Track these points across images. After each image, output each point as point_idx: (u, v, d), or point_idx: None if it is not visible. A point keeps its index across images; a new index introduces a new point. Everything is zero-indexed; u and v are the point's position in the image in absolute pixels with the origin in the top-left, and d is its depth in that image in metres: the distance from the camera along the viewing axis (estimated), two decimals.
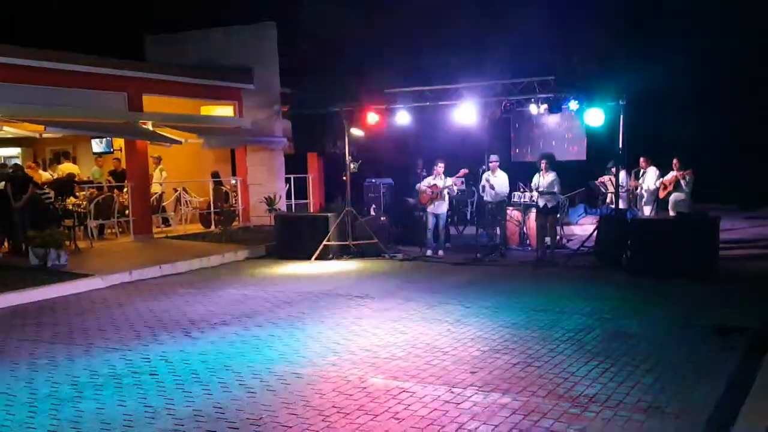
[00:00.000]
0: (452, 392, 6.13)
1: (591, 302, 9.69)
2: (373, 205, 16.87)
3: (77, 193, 16.92)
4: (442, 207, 14.47)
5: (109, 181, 18.26)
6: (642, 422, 5.36)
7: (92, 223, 16.29)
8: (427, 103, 14.78)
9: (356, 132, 15.25)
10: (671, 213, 13.44)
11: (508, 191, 13.94)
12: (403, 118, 14.96)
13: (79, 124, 15.91)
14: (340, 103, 14.90)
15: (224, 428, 5.49)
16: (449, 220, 17.13)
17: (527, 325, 8.48)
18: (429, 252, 14.48)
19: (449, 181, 14.53)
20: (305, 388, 6.38)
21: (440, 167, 14.54)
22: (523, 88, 14.01)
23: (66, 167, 18.51)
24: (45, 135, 17.94)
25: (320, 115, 15.27)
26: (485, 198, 13.94)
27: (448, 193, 14.50)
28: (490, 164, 13.83)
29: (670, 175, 13.77)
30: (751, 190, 21.36)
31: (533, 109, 14.21)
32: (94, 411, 5.98)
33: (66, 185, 16.79)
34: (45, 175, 17.61)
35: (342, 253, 14.49)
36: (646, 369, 6.63)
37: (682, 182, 13.57)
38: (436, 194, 14.35)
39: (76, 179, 18.05)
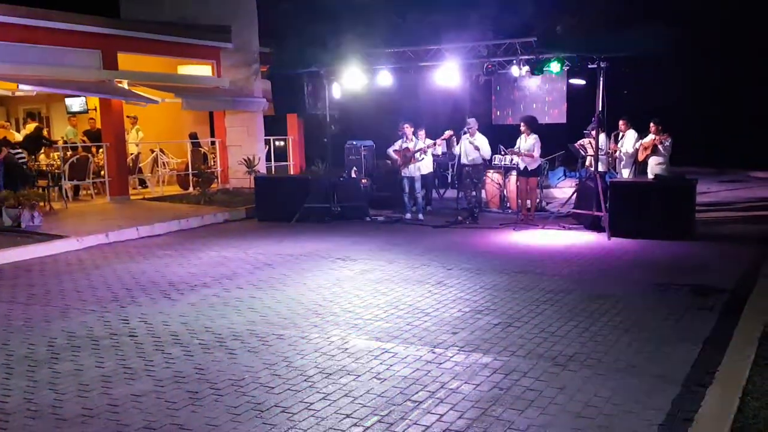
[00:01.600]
0: (434, 353, 6.14)
1: (570, 264, 9.74)
2: (354, 168, 16.76)
3: (51, 154, 16.66)
4: (416, 170, 14.35)
5: (84, 141, 17.98)
6: (620, 381, 5.40)
7: (67, 184, 16.09)
8: (409, 64, 14.63)
9: (337, 93, 15.08)
10: (650, 176, 13.48)
11: (489, 153, 13.89)
12: (384, 79, 14.80)
13: (53, 82, 15.59)
14: (320, 63, 14.70)
15: (205, 389, 5.46)
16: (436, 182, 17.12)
17: (508, 286, 8.51)
18: (407, 215, 14.44)
19: (421, 143, 14.41)
20: (287, 348, 6.36)
21: (407, 128, 14.41)
22: (506, 49, 13.90)
23: (32, 127, 18.20)
24: (18, 93, 17.57)
25: (300, 76, 15.04)
26: (463, 161, 13.88)
27: (423, 154, 14.37)
28: (468, 128, 13.74)
29: (648, 139, 13.79)
30: (727, 153, 21.57)
31: (515, 71, 14.10)
32: (72, 372, 5.93)
33: (35, 141, 16.46)
34: (17, 136, 17.32)
35: (323, 215, 14.42)
36: (625, 329, 6.68)
37: (660, 146, 13.60)
38: (408, 158, 14.25)
39: (45, 136, 17.80)
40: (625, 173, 14.03)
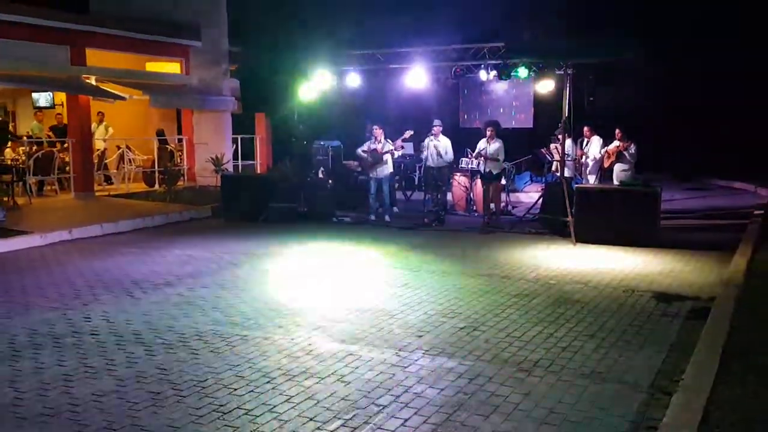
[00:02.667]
0: (399, 355, 6.16)
1: (536, 268, 9.82)
2: (321, 168, 16.71)
3: (17, 148, 16.38)
4: (383, 171, 14.37)
5: (50, 137, 17.72)
6: (585, 387, 5.46)
7: (31, 180, 15.83)
8: (378, 66, 14.65)
9: (305, 93, 15.03)
10: (615, 183, 13.66)
11: (451, 157, 13.94)
12: (353, 80, 14.81)
13: (20, 77, 15.37)
14: (289, 63, 14.64)
15: (167, 390, 5.42)
16: (396, 185, 17.13)
17: (473, 289, 8.55)
18: (372, 216, 14.44)
19: (389, 145, 14.44)
20: (251, 350, 6.33)
21: (377, 130, 14.43)
22: (474, 53, 13.98)
23: None
24: None
25: (269, 76, 14.97)
26: (428, 163, 13.93)
27: (389, 156, 14.39)
28: (433, 129, 13.80)
29: (613, 146, 13.98)
30: (691, 161, 21.92)
31: (483, 75, 14.19)
32: (33, 370, 5.84)
33: (0, 135, 16.18)
34: None
35: (289, 215, 14.35)
36: (589, 335, 6.75)
37: (625, 153, 13.79)
38: (377, 159, 14.26)
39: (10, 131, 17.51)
40: (591, 179, 14.21)
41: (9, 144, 16.58)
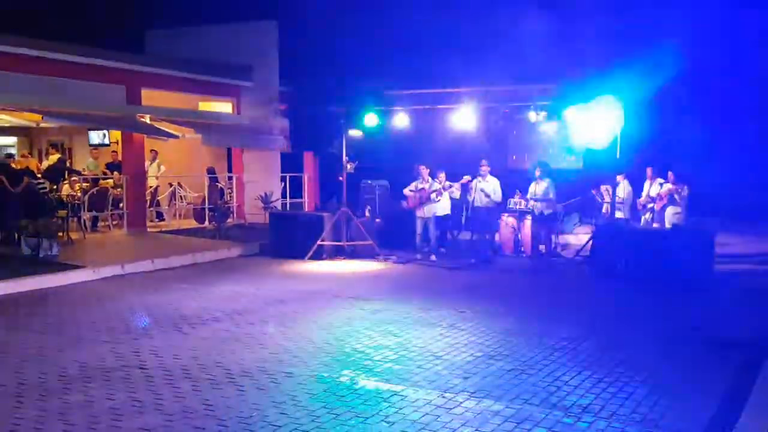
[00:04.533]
0: (444, 397, 6.08)
1: (586, 311, 9.66)
2: (368, 207, 16.80)
3: (75, 185, 16.82)
4: (431, 211, 14.37)
5: (105, 174, 18.17)
6: None
7: (86, 215, 16.21)
8: (426, 106, 14.75)
9: (354, 133, 15.19)
10: (667, 225, 13.42)
11: (500, 197, 13.86)
12: (401, 120, 14.92)
13: (77, 115, 15.82)
14: (338, 103, 14.84)
15: (213, 426, 5.43)
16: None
17: (521, 331, 8.43)
18: (418, 256, 14.41)
19: (437, 184, 14.44)
20: (296, 387, 6.32)
21: (423, 170, 14.46)
22: (523, 94, 14.00)
23: (55, 158, 18.44)
24: (42, 125, 17.84)
25: (318, 115, 15.20)
26: (476, 204, 13.87)
27: (438, 196, 14.39)
28: (480, 170, 13.77)
29: (665, 188, 13.77)
30: (747, 204, 21.39)
31: (532, 116, 14.20)
32: (82, 403, 5.92)
33: (57, 171, 16.61)
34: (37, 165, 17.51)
35: (336, 253, 14.42)
36: (640, 380, 6.58)
37: (677, 196, 13.56)
38: (423, 198, 14.26)
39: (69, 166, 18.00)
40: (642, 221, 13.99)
41: (67, 179, 17.00)
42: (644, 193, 14.11)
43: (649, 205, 14.06)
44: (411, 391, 6.22)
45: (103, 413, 5.69)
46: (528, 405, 5.91)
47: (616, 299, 10.55)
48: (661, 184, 13.95)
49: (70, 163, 19.79)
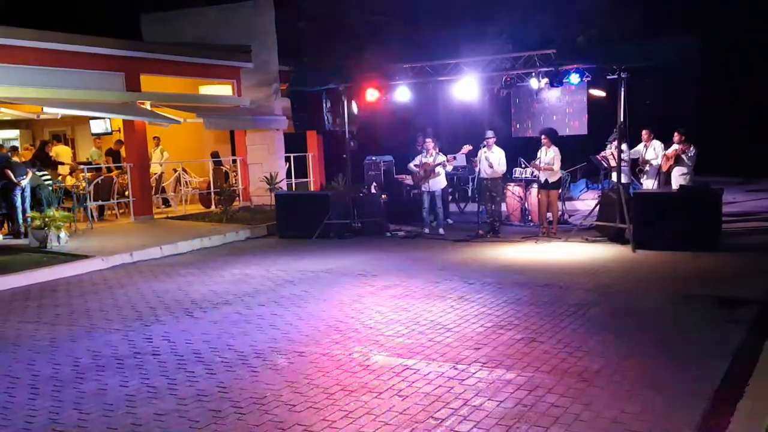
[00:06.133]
0: (456, 369, 6.10)
1: (594, 276, 9.64)
2: (374, 183, 16.78)
3: (78, 174, 16.84)
4: (436, 184, 14.34)
5: (107, 162, 18.18)
6: (647, 397, 5.31)
7: (92, 205, 16.24)
8: (428, 79, 14.65)
9: (356, 109, 15.11)
10: (674, 187, 13.34)
11: (504, 168, 13.79)
12: (403, 94, 14.83)
13: (77, 104, 15.80)
14: (339, 79, 14.75)
15: (228, 407, 5.46)
16: (450, 197, 17.06)
17: (531, 300, 8.43)
18: (426, 230, 14.40)
19: (441, 157, 14.39)
20: (309, 366, 6.34)
21: (429, 143, 14.43)
22: (524, 61, 13.87)
23: (59, 149, 18.47)
24: (43, 116, 17.82)
25: (319, 93, 15.11)
26: (481, 175, 13.82)
27: (442, 168, 14.36)
28: (486, 140, 13.70)
29: (672, 149, 13.65)
30: (753, 162, 21.28)
31: (534, 83, 14.07)
32: (96, 392, 5.96)
33: (42, 158, 16.49)
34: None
35: (344, 231, 14.42)
36: (651, 343, 6.58)
37: (684, 156, 13.46)
38: (428, 172, 14.24)
39: (70, 160, 18.05)
40: (649, 184, 13.89)
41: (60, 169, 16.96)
42: (641, 156, 13.99)
43: (647, 168, 13.96)
44: (423, 365, 6.24)
45: (117, 401, 5.72)
46: (539, 372, 5.92)
47: (624, 264, 10.52)
48: (655, 148, 13.84)
49: (74, 154, 19.79)
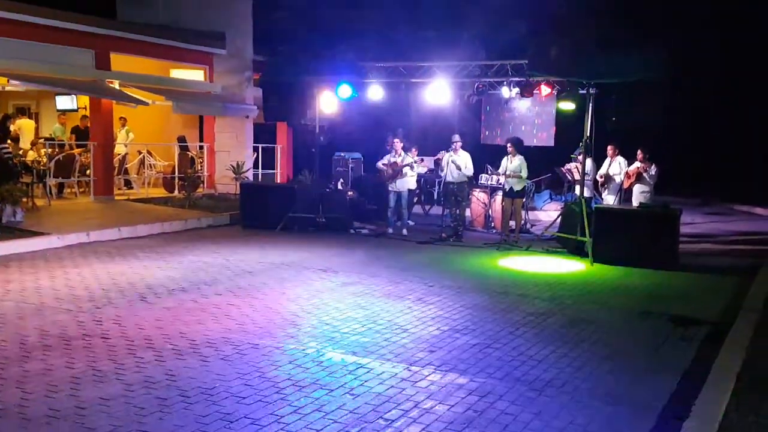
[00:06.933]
0: (410, 370, 6.09)
1: (552, 287, 9.72)
2: (341, 179, 16.74)
3: (40, 150, 16.51)
4: (403, 185, 14.36)
5: (72, 139, 17.86)
6: (597, 409, 5.36)
7: (52, 181, 15.94)
8: (400, 79, 14.66)
9: (328, 104, 15.05)
10: (634, 204, 13.51)
11: (471, 171, 13.85)
12: (375, 93, 14.82)
13: (44, 79, 15.49)
14: (312, 73, 14.68)
15: (175, 396, 5.38)
16: (415, 198, 17.08)
17: (488, 306, 8.47)
18: (390, 230, 14.40)
19: (409, 158, 14.41)
20: (261, 359, 6.29)
21: (397, 144, 14.44)
22: (496, 70, 13.95)
23: (23, 122, 18.11)
24: (8, 88, 17.44)
25: (292, 85, 15.02)
26: (448, 178, 13.86)
27: (410, 170, 14.38)
28: (453, 144, 13.74)
29: (634, 167, 13.84)
30: (711, 185, 21.71)
31: (505, 92, 14.19)
32: (42, 371, 5.83)
33: (1, 132, 16.17)
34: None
35: (308, 225, 14.35)
36: (604, 356, 6.65)
37: (645, 175, 13.64)
38: (396, 172, 14.25)
39: (33, 135, 17.71)
40: (611, 200, 14.06)
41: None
42: (603, 171, 14.14)
43: (607, 184, 14.11)
44: (377, 364, 6.22)
45: (62, 382, 5.61)
46: (492, 378, 5.94)
47: (582, 277, 10.62)
48: (620, 164, 14.01)
49: (36, 129, 19.40)
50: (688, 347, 7.04)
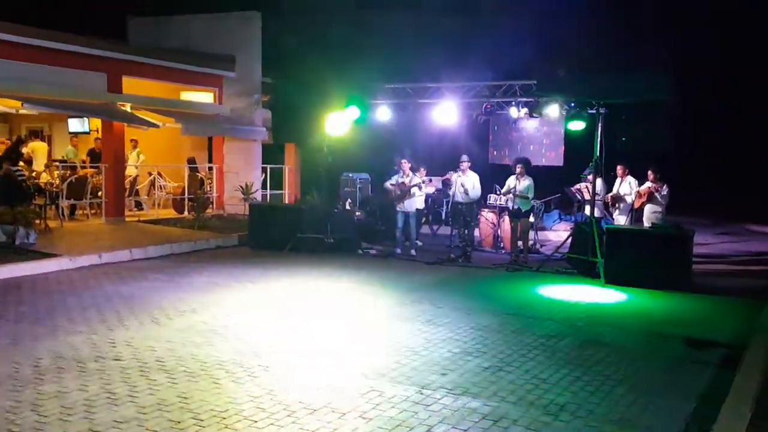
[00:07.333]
0: (422, 393, 6.07)
1: (563, 308, 9.69)
2: (349, 200, 16.77)
3: (53, 172, 16.62)
4: (411, 205, 14.38)
5: (84, 161, 17.98)
6: None
7: (64, 203, 16.03)
8: (408, 101, 14.75)
9: (336, 125, 15.13)
10: (645, 224, 13.47)
11: (479, 193, 13.86)
12: (383, 114, 14.91)
13: (58, 102, 15.64)
14: (320, 95, 14.77)
15: (188, 419, 5.38)
16: (423, 219, 17.09)
17: (499, 328, 8.44)
18: (398, 250, 14.40)
19: (417, 179, 14.44)
20: (273, 381, 6.28)
21: (405, 164, 14.47)
22: (505, 90, 14.02)
23: (35, 145, 18.25)
24: (21, 111, 17.59)
25: (300, 107, 15.13)
26: (456, 199, 13.87)
27: (418, 190, 14.40)
28: (461, 165, 13.77)
29: (645, 186, 13.81)
30: (724, 205, 21.63)
31: (513, 112, 14.25)
32: (55, 394, 5.84)
33: (14, 152, 16.26)
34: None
35: (316, 246, 14.36)
36: (618, 379, 6.61)
37: (657, 195, 13.62)
38: (404, 192, 14.27)
39: (45, 157, 17.82)
40: (621, 220, 14.03)
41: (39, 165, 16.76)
42: (614, 191, 14.11)
43: (618, 204, 14.09)
44: (388, 387, 6.20)
45: (76, 405, 5.61)
46: (505, 402, 5.91)
47: (594, 298, 10.58)
48: (630, 183, 13.99)
49: (49, 152, 19.54)
50: (703, 370, 7.00)
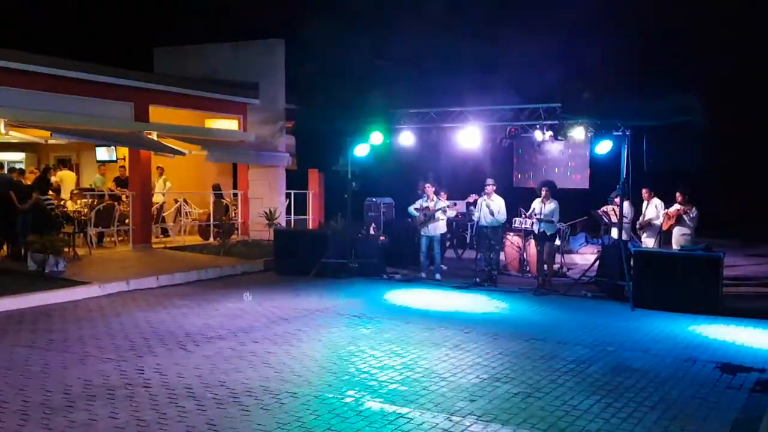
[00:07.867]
0: (451, 420, 6.02)
1: (593, 333, 9.58)
2: (373, 224, 16.78)
3: (78, 200, 16.83)
4: (436, 229, 14.35)
5: (112, 189, 18.20)
6: None
7: (92, 231, 16.21)
8: (432, 125, 14.77)
9: (359, 150, 15.19)
10: (674, 247, 13.32)
11: (504, 216, 13.80)
12: (407, 138, 14.93)
13: (85, 132, 15.87)
14: (344, 121, 14.85)
15: None
16: (447, 243, 17.04)
17: (528, 353, 8.36)
18: (423, 274, 14.36)
19: (442, 203, 14.42)
20: (300, 408, 6.26)
21: (429, 189, 14.46)
22: (529, 114, 14.00)
23: (64, 174, 18.51)
24: (50, 141, 17.88)
25: (324, 133, 15.21)
26: (481, 222, 13.83)
27: (442, 214, 14.37)
28: (486, 188, 13.74)
29: (674, 209, 13.67)
30: (754, 226, 21.28)
31: (538, 135, 14.18)
32: (86, 422, 5.87)
33: (44, 181, 16.46)
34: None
35: (341, 271, 14.37)
36: (650, 405, 6.51)
37: (685, 217, 13.46)
38: (429, 216, 14.25)
39: (74, 186, 18.06)
40: (650, 243, 13.87)
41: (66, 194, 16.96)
42: (643, 215, 13.98)
43: (645, 227, 13.94)
44: (417, 414, 6.16)
45: None
46: (536, 430, 5.85)
47: (624, 321, 10.46)
48: (656, 206, 13.86)
49: (77, 180, 19.80)
50: (736, 395, 6.87)
